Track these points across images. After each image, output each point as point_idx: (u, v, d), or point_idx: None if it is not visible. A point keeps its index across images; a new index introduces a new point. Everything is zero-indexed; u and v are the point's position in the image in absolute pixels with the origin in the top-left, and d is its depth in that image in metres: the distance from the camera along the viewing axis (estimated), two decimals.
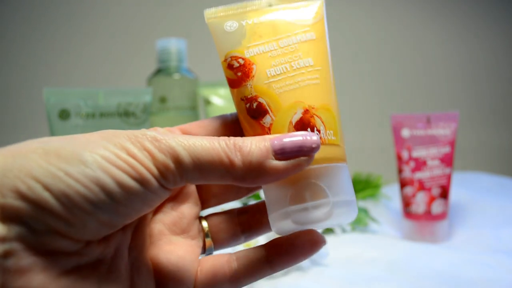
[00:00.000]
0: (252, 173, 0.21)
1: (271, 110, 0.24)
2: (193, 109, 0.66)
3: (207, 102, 0.67)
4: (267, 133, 0.24)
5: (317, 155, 0.22)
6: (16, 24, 0.90)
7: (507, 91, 1.10)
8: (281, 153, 0.21)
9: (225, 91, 0.67)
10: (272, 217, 0.24)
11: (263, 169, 0.21)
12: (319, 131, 0.24)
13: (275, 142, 0.22)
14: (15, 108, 0.91)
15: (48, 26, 0.92)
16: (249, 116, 0.25)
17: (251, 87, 0.25)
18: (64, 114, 0.46)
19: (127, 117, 0.48)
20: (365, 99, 1.04)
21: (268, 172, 0.21)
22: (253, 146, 0.21)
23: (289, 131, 0.23)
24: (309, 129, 0.23)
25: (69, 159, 0.18)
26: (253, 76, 0.25)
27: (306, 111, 0.24)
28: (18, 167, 0.17)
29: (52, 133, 0.46)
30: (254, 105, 0.24)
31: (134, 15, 0.95)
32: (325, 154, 0.23)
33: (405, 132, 0.58)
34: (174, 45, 0.65)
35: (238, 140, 0.21)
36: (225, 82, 0.26)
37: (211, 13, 0.26)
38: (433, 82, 1.07)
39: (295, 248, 0.24)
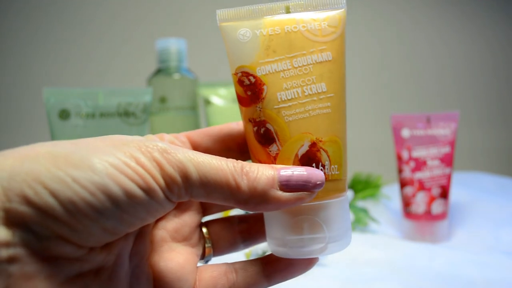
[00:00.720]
0: (255, 200, 0.21)
1: (278, 139, 0.24)
2: (193, 109, 0.66)
3: (207, 102, 0.67)
4: (272, 162, 0.24)
5: (320, 191, 0.23)
6: (16, 24, 0.90)
7: (507, 91, 1.10)
8: (286, 185, 0.22)
9: (225, 91, 0.67)
10: (270, 240, 0.25)
11: (267, 197, 0.21)
12: (323, 166, 0.24)
13: (282, 173, 0.22)
14: (15, 108, 0.91)
15: (48, 26, 0.92)
16: (256, 140, 0.24)
17: (260, 110, 0.24)
18: (64, 114, 0.46)
19: (127, 117, 0.48)
20: (365, 99, 1.04)
21: (270, 201, 0.21)
22: (259, 173, 0.22)
23: (294, 163, 0.23)
24: (314, 164, 0.23)
25: (78, 164, 0.18)
26: (263, 98, 0.24)
27: (313, 144, 0.24)
28: (26, 171, 0.17)
29: (52, 133, 0.46)
30: (262, 130, 0.24)
31: (134, 15, 0.95)
32: (327, 191, 0.23)
33: (405, 132, 0.58)
34: (174, 45, 0.65)
35: (246, 164, 0.22)
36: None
37: (224, 15, 0.25)
38: (433, 82, 1.07)
39: (292, 265, 0.25)
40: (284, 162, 0.24)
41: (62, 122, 0.46)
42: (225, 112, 0.66)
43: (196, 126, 0.66)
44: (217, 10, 0.25)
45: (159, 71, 0.65)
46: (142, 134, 0.48)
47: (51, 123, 0.46)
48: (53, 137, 0.46)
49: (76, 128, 0.46)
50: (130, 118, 0.48)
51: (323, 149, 0.24)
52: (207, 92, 0.67)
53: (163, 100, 0.64)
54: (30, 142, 0.20)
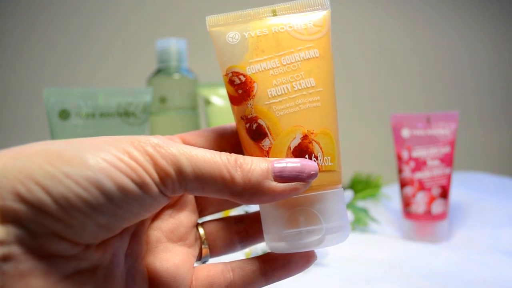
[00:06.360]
0: (250, 191, 0.21)
1: (270, 134, 0.24)
2: (193, 109, 0.66)
3: (207, 102, 0.67)
4: (266, 156, 0.24)
5: (314, 182, 0.23)
6: (16, 24, 0.90)
7: (507, 91, 1.10)
8: (280, 176, 0.22)
9: (225, 91, 0.67)
10: (267, 236, 0.25)
11: (261, 189, 0.21)
12: (316, 157, 0.24)
13: (275, 164, 0.22)
14: (15, 108, 0.91)
15: (48, 26, 0.92)
16: (248, 136, 0.25)
17: (251, 107, 0.24)
18: (64, 114, 0.46)
19: (127, 117, 0.48)
20: (365, 99, 1.04)
21: (265, 192, 0.22)
22: (253, 165, 0.22)
23: (287, 156, 0.24)
24: (307, 156, 0.24)
25: (70, 160, 0.18)
26: (254, 95, 0.24)
27: (305, 137, 0.24)
28: (18, 168, 0.17)
29: (52, 133, 0.46)
30: (254, 126, 0.24)
31: (134, 15, 0.95)
32: (321, 181, 0.24)
33: (405, 132, 0.58)
34: (174, 45, 0.65)
35: (239, 157, 0.22)
36: None
37: (213, 21, 0.26)
38: (433, 82, 1.07)
39: (290, 263, 0.25)
40: (277, 156, 0.24)
41: (62, 122, 0.46)
42: (225, 112, 0.66)
43: (196, 126, 0.66)
44: (206, 16, 0.26)
45: (159, 71, 0.65)
46: (142, 134, 0.48)
47: (51, 123, 0.46)
48: (53, 137, 0.46)
49: (76, 128, 0.46)
50: (130, 118, 0.48)
51: (315, 141, 0.24)
52: (207, 92, 0.67)
53: (163, 100, 0.64)
54: (30, 142, 0.20)
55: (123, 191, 0.19)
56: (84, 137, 0.21)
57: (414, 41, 1.07)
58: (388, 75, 1.06)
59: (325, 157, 0.24)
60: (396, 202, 0.69)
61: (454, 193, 0.64)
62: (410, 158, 0.57)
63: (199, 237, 0.27)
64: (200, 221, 0.28)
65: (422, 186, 0.57)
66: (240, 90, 0.25)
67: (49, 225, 0.18)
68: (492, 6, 1.09)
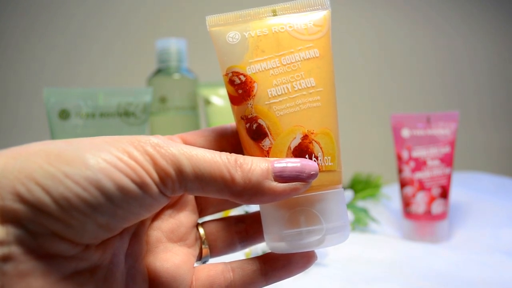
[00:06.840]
0: (250, 191, 0.21)
1: (270, 134, 0.24)
2: (193, 109, 0.66)
3: (207, 102, 0.67)
4: (266, 156, 0.24)
5: (314, 182, 0.23)
6: (16, 24, 0.90)
7: (507, 91, 1.10)
8: (280, 176, 0.22)
9: (225, 91, 0.67)
10: (267, 237, 0.25)
11: (261, 189, 0.21)
12: (316, 157, 0.24)
13: (276, 164, 0.22)
14: (15, 108, 0.91)
15: (48, 26, 0.92)
16: (248, 136, 0.25)
17: (251, 106, 0.24)
18: (64, 114, 0.46)
19: (127, 117, 0.48)
20: (365, 99, 1.04)
21: (265, 192, 0.22)
22: (254, 165, 0.22)
23: (287, 156, 0.24)
24: (307, 156, 0.24)
25: (70, 161, 0.18)
26: (254, 95, 0.24)
27: (305, 137, 0.24)
28: (19, 168, 0.17)
29: (52, 133, 0.46)
30: (254, 126, 0.24)
31: (134, 15, 0.95)
32: (322, 182, 0.24)
33: (405, 132, 0.58)
34: (174, 45, 0.65)
35: (239, 157, 0.22)
36: None
37: (213, 21, 0.26)
38: (433, 82, 1.07)
39: (291, 263, 0.25)
40: (277, 156, 0.24)
41: (62, 122, 0.46)
42: (225, 112, 0.66)
43: (196, 126, 0.66)
44: (206, 16, 0.26)
45: (159, 71, 0.65)
46: (142, 134, 0.48)
47: (51, 123, 0.46)
48: (53, 137, 0.46)
49: (76, 128, 0.46)
50: (130, 118, 0.48)
51: (315, 141, 0.24)
52: (207, 92, 0.67)
53: (163, 100, 0.64)
54: (30, 142, 0.20)
55: (123, 191, 0.19)
56: (84, 137, 0.21)
57: (414, 41, 1.07)
58: (388, 75, 1.06)
59: (325, 157, 0.24)
60: (396, 202, 0.69)
61: (454, 193, 0.64)
62: (410, 158, 0.57)
63: (199, 237, 0.27)
64: (200, 221, 0.28)
65: (422, 186, 0.57)
66: (240, 90, 0.25)
67: (49, 225, 0.18)
68: (492, 6, 1.09)
